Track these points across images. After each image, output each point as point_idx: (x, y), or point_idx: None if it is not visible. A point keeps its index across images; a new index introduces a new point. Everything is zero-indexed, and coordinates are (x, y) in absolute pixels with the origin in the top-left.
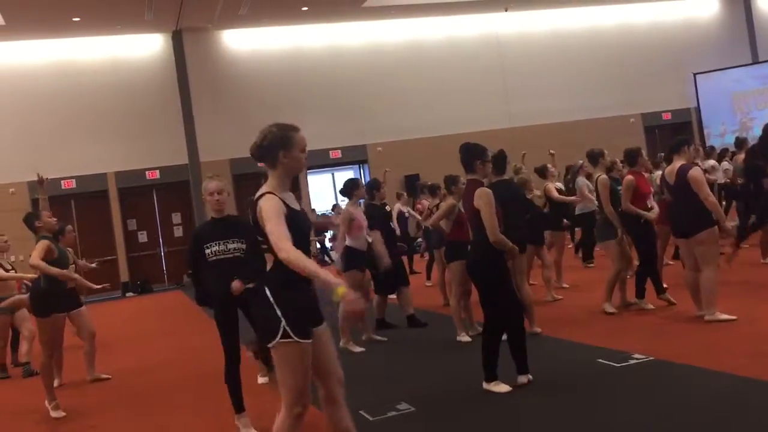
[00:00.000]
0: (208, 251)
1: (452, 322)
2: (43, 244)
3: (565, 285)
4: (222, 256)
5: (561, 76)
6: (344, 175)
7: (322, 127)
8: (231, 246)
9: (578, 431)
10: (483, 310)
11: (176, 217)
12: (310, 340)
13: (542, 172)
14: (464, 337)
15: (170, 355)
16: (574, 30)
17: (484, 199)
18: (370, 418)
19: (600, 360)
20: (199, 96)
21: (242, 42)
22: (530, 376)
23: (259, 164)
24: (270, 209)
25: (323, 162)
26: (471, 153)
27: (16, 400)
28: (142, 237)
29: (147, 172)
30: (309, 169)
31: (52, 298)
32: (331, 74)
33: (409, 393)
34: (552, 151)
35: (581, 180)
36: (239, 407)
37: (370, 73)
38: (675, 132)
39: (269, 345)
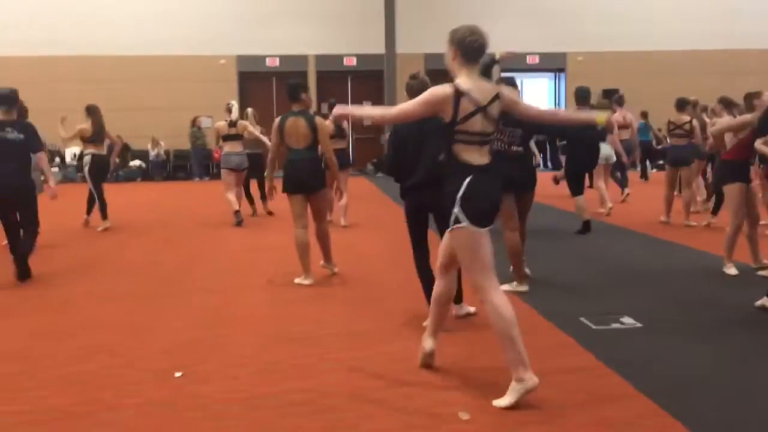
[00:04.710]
0: None
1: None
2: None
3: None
4: None
5: None
6: (538, 83)
7: (522, 30)
8: None
9: None
10: None
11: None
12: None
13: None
14: (731, 270)
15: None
16: None
17: None
18: (593, 327)
19: None
20: None
21: None
22: None
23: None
24: None
25: (518, 66)
26: None
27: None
28: None
29: (345, 58)
30: (503, 71)
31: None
32: None
33: (635, 309)
34: None
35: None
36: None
37: None
38: None
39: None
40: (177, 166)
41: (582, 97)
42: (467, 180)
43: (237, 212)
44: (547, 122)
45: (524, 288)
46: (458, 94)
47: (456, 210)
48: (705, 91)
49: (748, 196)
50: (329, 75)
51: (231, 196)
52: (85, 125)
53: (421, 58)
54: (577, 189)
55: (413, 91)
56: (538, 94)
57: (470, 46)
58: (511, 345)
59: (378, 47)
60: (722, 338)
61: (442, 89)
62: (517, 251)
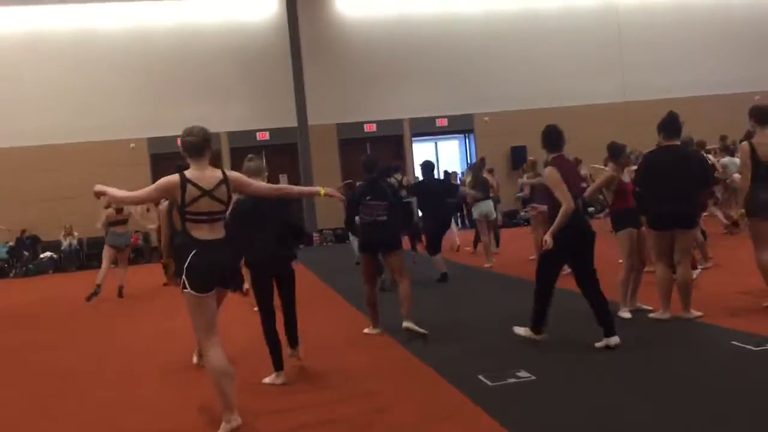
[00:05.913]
0: None
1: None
2: None
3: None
4: None
5: (683, 49)
6: (449, 145)
7: (429, 94)
8: None
9: (714, 412)
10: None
11: (283, 179)
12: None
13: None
14: (625, 313)
15: None
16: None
17: None
18: (489, 384)
19: (734, 342)
20: (309, 60)
21: (354, 7)
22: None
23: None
24: None
25: (428, 130)
26: None
27: None
28: None
29: (258, 134)
30: (414, 136)
31: None
32: (441, 42)
33: (529, 361)
34: None
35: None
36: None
37: (480, 41)
38: None
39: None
40: (91, 254)
41: (428, 169)
42: (192, 253)
43: (98, 285)
44: (274, 196)
45: (376, 330)
46: (184, 181)
47: (183, 278)
48: (601, 143)
49: (639, 240)
50: (243, 151)
51: (104, 271)
52: None
53: (333, 128)
54: (433, 250)
55: (250, 172)
56: (450, 155)
57: (187, 144)
58: (220, 392)
59: (290, 120)
60: (609, 384)
61: (171, 178)
62: (370, 303)
